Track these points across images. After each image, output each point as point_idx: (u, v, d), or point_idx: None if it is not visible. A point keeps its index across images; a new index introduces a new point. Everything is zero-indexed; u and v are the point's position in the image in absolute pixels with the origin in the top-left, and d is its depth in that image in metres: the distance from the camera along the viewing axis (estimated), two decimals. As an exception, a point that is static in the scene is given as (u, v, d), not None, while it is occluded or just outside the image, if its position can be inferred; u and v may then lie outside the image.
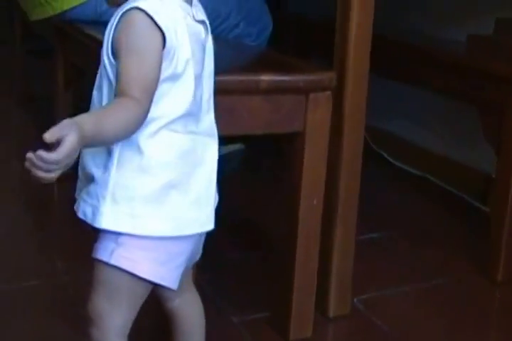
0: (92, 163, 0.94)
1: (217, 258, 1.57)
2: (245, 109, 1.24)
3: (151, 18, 0.86)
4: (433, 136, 2.19)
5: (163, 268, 0.94)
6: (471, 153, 2.05)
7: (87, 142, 0.81)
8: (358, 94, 1.36)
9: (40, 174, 0.77)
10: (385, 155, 2.32)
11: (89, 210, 0.92)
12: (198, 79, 0.95)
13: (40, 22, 2.09)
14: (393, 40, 1.90)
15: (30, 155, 0.76)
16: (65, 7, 1.93)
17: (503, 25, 1.73)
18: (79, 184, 0.99)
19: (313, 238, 1.31)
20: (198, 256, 1.05)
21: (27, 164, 0.76)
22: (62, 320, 1.34)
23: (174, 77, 0.91)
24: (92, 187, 0.93)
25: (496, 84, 1.59)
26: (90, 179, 0.94)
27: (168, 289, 0.98)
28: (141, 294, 0.97)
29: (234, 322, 1.37)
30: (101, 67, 0.93)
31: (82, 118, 0.82)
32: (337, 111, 1.33)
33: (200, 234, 0.99)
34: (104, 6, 1.85)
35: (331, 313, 1.40)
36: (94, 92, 0.95)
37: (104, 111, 0.88)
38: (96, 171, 0.93)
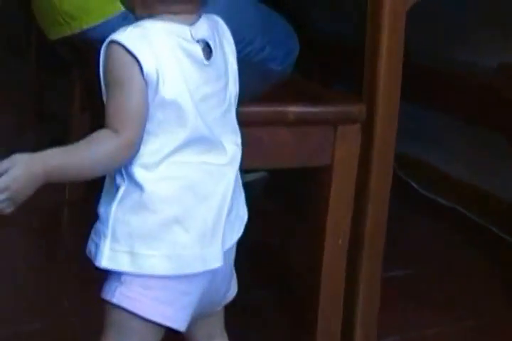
0: (102, 201, 0.92)
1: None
2: (271, 141, 1.20)
3: (126, 49, 0.85)
4: (462, 164, 2.12)
5: (169, 308, 0.89)
6: (499, 183, 1.97)
7: (51, 176, 0.82)
8: (388, 127, 1.29)
9: None
10: (412, 183, 2.24)
11: (93, 248, 0.90)
12: (206, 102, 0.90)
13: (58, 41, 2.04)
14: (423, 66, 1.84)
15: None
16: (84, 26, 1.87)
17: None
18: None
19: (338, 280, 1.25)
20: (227, 298, 1.00)
21: None
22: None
23: (165, 105, 0.87)
24: (97, 225, 0.91)
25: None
26: (97, 216, 0.92)
27: (177, 331, 0.91)
28: (153, 336, 0.91)
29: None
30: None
31: (49, 152, 0.82)
32: (365, 145, 1.26)
33: (213, 272, 0.92)
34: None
35: (355, 358, 1.33)
36: None
37: (74, 145, 0.86)
38: (101, 208, 0.91)
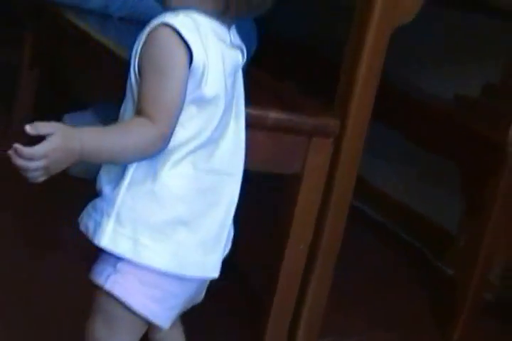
0: (105, 179, 0.90)
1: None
2: (249, 143, 1.20)
3: (179, 34, 0.81)
4: (403, 186, 2.19)
5: (157, 306, 0.89)
6: (434, 208, 2.05)
7: (86, 155, 0.79)
8: (356, 143, 1.33)
9: (23, 172, 0.76)
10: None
11: (91, 225, 0.88)
12: (226, 105, 0.89)
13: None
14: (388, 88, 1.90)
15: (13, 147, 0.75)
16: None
17: (490, 90, 1.75)
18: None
19: (293, 281, 1.29)
20: (198, 300, 0.99)
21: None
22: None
23: (203, 102, 0.86)
24: (98, 202, 0.89)
25: (479, 146, 1.60)
26: (98, 192, 0.90)
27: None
28: (139, 328, 0.92)
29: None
30: (127, 85, 0.88)
31: (87, 132, 0.81)
32: (333, 157, 1.29)
33: (203, 281, 0.94)
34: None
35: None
36: (122, 110, 0.90)
37: (112, 129, 0.84)
38: (106, 187, 0.89)
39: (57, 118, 0.90)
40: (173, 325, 0.99)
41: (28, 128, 0.75)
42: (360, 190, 1.42)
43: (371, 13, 1.26)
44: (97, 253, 0.90)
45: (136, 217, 0.86)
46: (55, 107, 2.06)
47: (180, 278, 0.89)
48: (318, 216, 1.29)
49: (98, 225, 0.86)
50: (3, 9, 2.42)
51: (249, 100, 1.22)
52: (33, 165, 0.76)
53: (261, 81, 1.44)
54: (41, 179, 0.78)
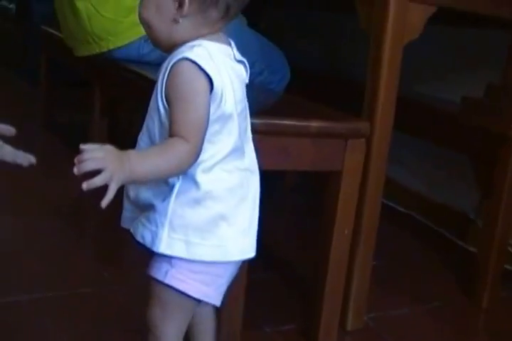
0: (150, 195, 1.00)
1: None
2: (295, 149, 1.37)
3: (198, 66, 0.91)
4: (423, 180, 2.36)
5: (209, 288, 1.02)
6: (453, 196, 2.22)
7: (132, 172, 0.88)
8: (383, 142, 1.51)
9: (88, 184, 0.83)
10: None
11: (148, 235, 0.99)
12: (240, 116, 1.00)
13: (81, 58, 2.21)
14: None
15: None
16: (111, 47, 2.05)
17: (492, 90, 1.92)
18: (127, 214, 1.06)
19: (342, 263, 1.45)
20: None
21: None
22: (113, 326, 1.44)
23: (224, 118, 0.96)
24: (151, 215, 0.99)
25: (487, 139, 1.78)
26: (147, 208, 1.00)
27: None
28: (191, 307, 1.05)
29: (267, 331, 1.50)
30: (152, 112, 0.98)
31: (130, 151, 0.89)
32: (366, 154, 1.47)
33: (238, 261, 1.05)
34: (146, 49, 1.99)
35: (349, 327, 1.55)
36: (141, 135, 1.01)
37: (152, 149, 0.96)
38: (156, 201, 0.98)
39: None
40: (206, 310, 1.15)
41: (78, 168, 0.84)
42: (386, 187, 1.57)
43: (385, 34, 1.44)
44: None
45: (186, 222, 0.97)
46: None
47: (224, 263, 1.01)
48: (357, 205, 1.45)
49: (154, 234, 0.97)
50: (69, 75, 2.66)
51: (293, 115, 1.42)
52: (95, 163, 0.84)
53: (297, 102, 1.64)
54: (112, 189, 0.85)
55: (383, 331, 1.58)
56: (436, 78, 2.31)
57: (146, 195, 1.00)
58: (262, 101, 1.70)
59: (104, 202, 0.84)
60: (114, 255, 1.79)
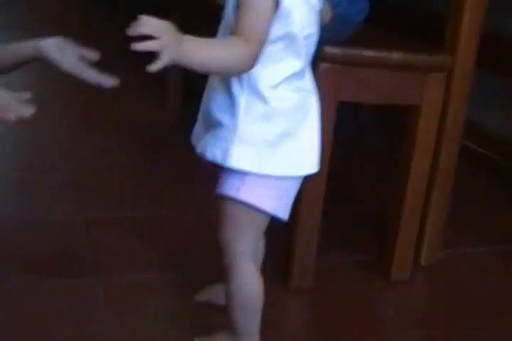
0: (217, 109, 1.02)
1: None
2: (374, 80, 1.35)
3: None
4: (505, 122, 2.29)
5: (279, 203, 1.06)
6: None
7: (188, 54, 0.88)
8: (466, 75, 1.48)
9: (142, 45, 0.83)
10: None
11: (218, 152, 1.01)
12: (307, 39, 1.02)
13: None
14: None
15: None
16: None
17: None
18: (198, 127, 1.10)
19: (419, 197, 1.45)
20: None
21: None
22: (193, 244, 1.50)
23: (289, 38, 0.98)
24: (219, 132, 1.02)
25: None
26: (215, 124, 1.03)
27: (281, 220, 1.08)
28: (260, 224, 1.08)
29: (342, 262, 1.53)
30: (225, 20, 1.02)
31: (192, 40, 0.90)
32: (446, 89, 1.43)
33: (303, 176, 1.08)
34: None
35: (423, 262, 1.55)
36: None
37: (214, 40, 0.99)
38: (223, 117, 1.01)
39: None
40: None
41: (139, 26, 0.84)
42: (466, 128, 1.54)
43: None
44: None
45: (255, 137, 1.00)
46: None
47: (293, 177, 1.06)
48: (436, 141, 1.43)
49: (226, 151, 1.00)
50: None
51: (373, 46, 1.40)
52: (150, 29, 0.84)
53: (377, 33, 1.60)
54: (163, 59, 0.84)
55: (457, 267, 1.58)
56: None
57: (214, 109, 1.03)
58: (340, 31, 1.68)
59: (153, 68, 0.84)
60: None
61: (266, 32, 0.95)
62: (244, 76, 0.98)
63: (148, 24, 0.85)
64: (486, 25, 1.47)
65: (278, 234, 1.41)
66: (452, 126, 1.49)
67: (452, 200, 1.58)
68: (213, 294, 1.30)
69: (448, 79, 1.42)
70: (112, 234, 1.55)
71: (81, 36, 1.27)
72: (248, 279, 1.09)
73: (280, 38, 0.98)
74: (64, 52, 1.12)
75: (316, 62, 1.26)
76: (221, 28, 1.04)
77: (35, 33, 1.25)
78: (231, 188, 1.03)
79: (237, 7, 0.96)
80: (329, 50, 1.28)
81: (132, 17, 0.87)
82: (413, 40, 1.47)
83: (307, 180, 1.10)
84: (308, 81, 1.07)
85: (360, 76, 1.34)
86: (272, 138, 1.01)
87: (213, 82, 1.05)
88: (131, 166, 1.96)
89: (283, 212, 1.07)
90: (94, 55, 1.13)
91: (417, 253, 1.52)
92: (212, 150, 1.02)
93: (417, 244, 1.50)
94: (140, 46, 0.83)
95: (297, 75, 1.03)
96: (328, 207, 1.38)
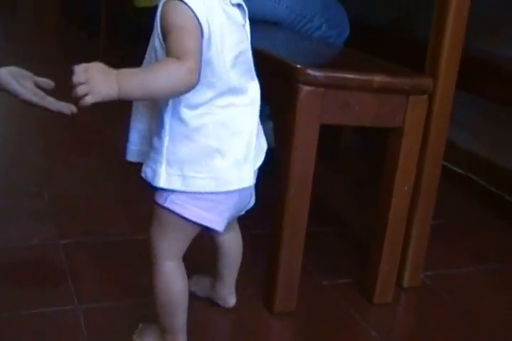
0: (155, 137, 1.07)
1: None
2: (358, 103, 1.35)
3: (187, 5, 0.96)
4: (486, 143, 2.30)
5: (208, 213, 1.09)
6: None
7: (122, 85, 0.91)
8: (447, 97, 1.47)
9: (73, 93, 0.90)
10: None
11: (149, 172, 1.07)
12: (238, 58, 1.04)
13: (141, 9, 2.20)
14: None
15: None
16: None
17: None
18: (143, 148, 1.13)
19: (401, 219, 1.44)
20: (248, 206, 1.20)
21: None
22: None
23: (209, 62, 1.00)
24: (152, 154, 1.07)
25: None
26: (151, 144, 1.08)
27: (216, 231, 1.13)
28: (189, 230, 1.12)
29: (324, 285, 1.51)
30: (150, 51, 1.04)
31: (124, 72, 0.92)
32: (428, 111, 1.42)
33: (241, 189, 1.10)
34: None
35: (405, 284, 1.54)
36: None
37: (147, 68, 1.02)
38: (154, 140, 1.06)
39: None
40: (230, 229, 1.24)
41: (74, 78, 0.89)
42: (447, 149, 1.53)
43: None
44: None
45: (180, 158, 1.04)
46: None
47: (222, 192, 1.08)
48: (418, 162, 1.42)
49: (154, 172, 1.06)
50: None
51: (357, 69, 1.39)
52: (76, 77, 0.89)
53: (359, 56, 1.60)
54: (89, 100, 0.89)
55: (439, 289, 1.57)
56: (496, 32, 2.22)
57: (154, 133, 1.08)
58: (321, 53, 1.68)
59: (73, 108, 0.96)
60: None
61: (198, 47, 0.96)
62: (170, 99, 1.01)
63: (76, 73, 0.90)
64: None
65: (259, 258, 1.41)
66: (434, 147, 1.49)
67: (435, 221, 1.57)
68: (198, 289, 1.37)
69: (430, 101, 1.42)
70: (93, 259, 1.52)
71: (61, 61, 1.26)
72: (167, 278, 1.12)
73: (206, 64, 0.99)
74: (20, 82, 1.13)
75: (298, 84, 1.27)
76: (148, 51, 1.06)
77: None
78: (160, 197, 1.09)
79: (163, 30, 0.98)
80: (311, 72, 1.28)
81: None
82: (394, 63, 1.48)
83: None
84: (248, 96, 1.08)
85: (342, 99, 1.32)
86: (196, 157, 1.05)
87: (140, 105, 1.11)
88: (112, 190, 1.93)
89: (217, 223, 1.10)
90: (49, 83, 1.17)
91: (400, 275, 1.51)
92: (145, 170, 1.08)
93: (400, 265, 1.49)
94: (76, 97, 0.90)
95: (232, 92, 1.04)
96: (311, 229, 1.36)
